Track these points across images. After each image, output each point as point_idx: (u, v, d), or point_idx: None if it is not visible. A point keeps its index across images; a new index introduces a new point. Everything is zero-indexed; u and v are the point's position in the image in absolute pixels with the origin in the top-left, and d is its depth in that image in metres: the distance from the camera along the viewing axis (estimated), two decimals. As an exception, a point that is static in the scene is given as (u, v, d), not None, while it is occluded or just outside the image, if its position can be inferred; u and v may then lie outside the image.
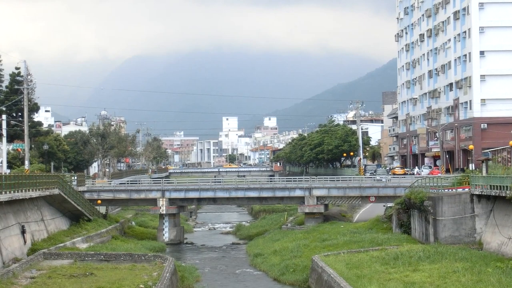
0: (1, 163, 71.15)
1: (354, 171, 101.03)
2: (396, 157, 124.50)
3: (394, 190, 64.68)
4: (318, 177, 76.16)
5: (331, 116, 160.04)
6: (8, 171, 65.86)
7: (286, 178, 79.41)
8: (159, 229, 69.24)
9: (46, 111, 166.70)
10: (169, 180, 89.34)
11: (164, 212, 68.03)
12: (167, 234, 68.11)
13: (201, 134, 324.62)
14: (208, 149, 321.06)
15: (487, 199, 42.44)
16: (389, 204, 60.14)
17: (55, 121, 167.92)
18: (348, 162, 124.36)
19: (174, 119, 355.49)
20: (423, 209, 45.89)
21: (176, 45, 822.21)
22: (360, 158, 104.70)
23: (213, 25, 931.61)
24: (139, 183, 76.80)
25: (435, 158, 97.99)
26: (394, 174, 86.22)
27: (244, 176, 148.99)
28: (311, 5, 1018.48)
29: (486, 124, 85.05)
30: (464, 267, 34.31)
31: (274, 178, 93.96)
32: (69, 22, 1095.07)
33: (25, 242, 44.40)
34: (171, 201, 68.71)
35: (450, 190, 46.10)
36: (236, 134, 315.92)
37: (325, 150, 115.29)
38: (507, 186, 37.82)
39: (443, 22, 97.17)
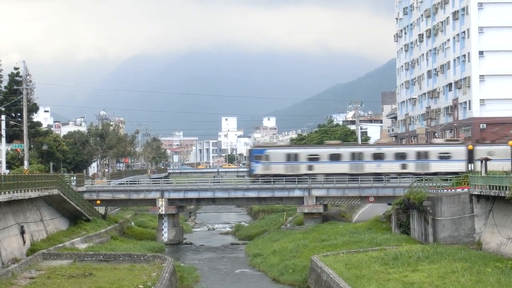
0: (0, 163, 71.11)
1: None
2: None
3: (393, 190, 64.75)
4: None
5: (330, 116, 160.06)
6: (7, 171, 65.82)
7: (285, 178, 79.29)
8: (158, 229, 69.25)
9: (45, 111, 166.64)
10: (168, 181, 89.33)
11: (163, 212, 68.02)
12: (166, 235, 68.11)
13: (200, 134, 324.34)
14: (207, 149, 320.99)
15: (486, 199, 42.48)
16: None
17: (54, 121, 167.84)
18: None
19: (173, 119, 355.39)
20: (422, 209, 45.91)
21: (175, 45, 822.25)
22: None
23: (213, 25, 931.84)
24: (138, 184, 76.76)
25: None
26: None
27: (243, 176, 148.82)
28: (311, 5, 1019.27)
29: (485, 124, 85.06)
30: (463, 267, 34.34)
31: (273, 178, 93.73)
32: (69, 22, 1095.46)
33: (24, 242, 44.41)
34: (170, 201, 68.68)
35: (449, 190, 46.15)
36: (235, 134, 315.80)
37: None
38: (506, 186, 37.84)
39: (442, 22, 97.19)
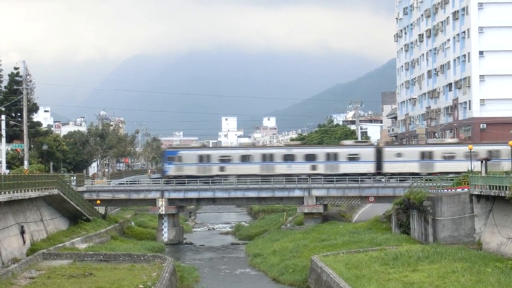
0: (0, 163, 71.15)
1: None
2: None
3: (393, 190, 64.84)
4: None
5: (330, 116, 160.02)
6: (7, 171, 65.86)
7: (285, 178, 79.38)
8: (158, 229, 69.29)
9: (45, 111, 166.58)
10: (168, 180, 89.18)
11: (163, 212, 68.07)
12: (166, 234, 68.15)
13: (200, 134, 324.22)
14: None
15: (486, 199, 42.48)
16: None
17: (54, 121, 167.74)
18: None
19: (173, 119, 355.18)
20: (422, 209, 45.93)
21: (176, 45, 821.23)
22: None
23: (213, 25, 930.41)
24: (138, 183, 76.78)
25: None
26: None
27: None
28: (311, 5, 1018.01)
29: (485, 124, 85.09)
30: (463, 267, 34.36)
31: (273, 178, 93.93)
32: (69, 22, 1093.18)
33: (24, 242, 44.43)
34: (170, 201, 68.72)
35: (449, 190, 46.16)
36: (235, 135, 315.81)
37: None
38: (506, 186, 37.84)
39: (442, 22, 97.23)
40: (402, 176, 68.35)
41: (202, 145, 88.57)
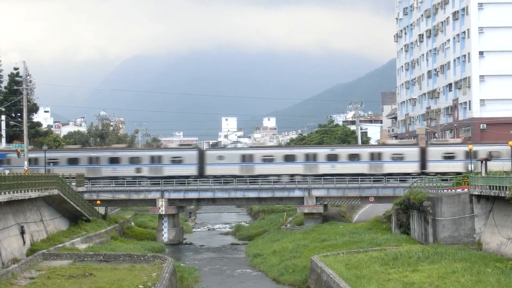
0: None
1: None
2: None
3: (393, 190, 64.87)
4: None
5: (330, 116, 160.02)
6: (7, 171, 65.79)
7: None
8: (158, 230, 69.33)
9: (45, 111, 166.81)
10: (168, 181, 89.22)
11: (163, 213, 68.11)
12: (166, 235, 68.18)
13: (200, 134, 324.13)
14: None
15: (486, 200, 42.50)
16: None
17: (54, 122, 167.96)
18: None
19: (173, 119, 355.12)
20: (422, 210, 45.94)
21: (176, 45, 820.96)
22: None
23: (213, 25, 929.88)
24: (138, 184, 76.78)
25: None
26: None
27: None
28: (311, 5, 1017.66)
29: (485, 125, 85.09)
30: (463, 268, 34.37)
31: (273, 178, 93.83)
32: (69, 22, 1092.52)
33: (24, 242, 44.44)
34: (170, 202, 68.77)
35: (449, 190, 46.17)
36: (235, 135, 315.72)
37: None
38: (506, 187, 37.86)
39: (442, 22, 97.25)
40: (224, 179, 69.52)
41: (32, 148, 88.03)
